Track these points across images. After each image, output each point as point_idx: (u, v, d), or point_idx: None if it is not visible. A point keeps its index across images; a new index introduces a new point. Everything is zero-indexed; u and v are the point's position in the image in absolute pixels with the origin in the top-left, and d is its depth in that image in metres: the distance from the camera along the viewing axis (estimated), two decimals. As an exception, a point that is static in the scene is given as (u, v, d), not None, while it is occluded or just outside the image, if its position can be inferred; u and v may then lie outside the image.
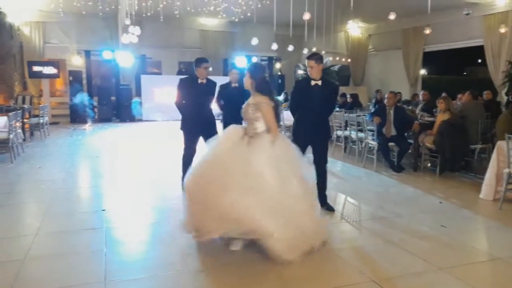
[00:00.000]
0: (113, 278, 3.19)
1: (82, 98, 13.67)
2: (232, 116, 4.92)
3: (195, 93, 5.32)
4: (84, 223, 4.43)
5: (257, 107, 3.67)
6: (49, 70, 13.53)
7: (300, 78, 4.82)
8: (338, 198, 5.68)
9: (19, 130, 8.26)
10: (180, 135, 5.50)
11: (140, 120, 14.21)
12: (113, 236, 4.09)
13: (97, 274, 3.25)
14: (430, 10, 9.02)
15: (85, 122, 13.52)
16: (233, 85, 6.19)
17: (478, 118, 6.93)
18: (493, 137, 7.07)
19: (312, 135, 4.74)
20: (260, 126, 3.69)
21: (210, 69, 5.49)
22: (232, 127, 3.88)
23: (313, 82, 4.70)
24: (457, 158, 6.48)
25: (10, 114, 7.50)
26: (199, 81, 5.34)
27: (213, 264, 3.42)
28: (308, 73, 4.76)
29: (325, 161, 4.86)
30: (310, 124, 4.74)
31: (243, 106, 3.78)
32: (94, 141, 10.36)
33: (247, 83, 3.83)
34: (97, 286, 3.08)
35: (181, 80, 5.51)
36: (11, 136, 7.32)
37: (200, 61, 5.38)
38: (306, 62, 4.77)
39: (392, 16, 10.29)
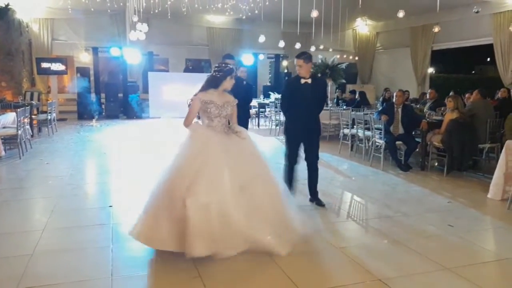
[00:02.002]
0: (119, 274, 3.22)
1: (85, 84, 13.71)
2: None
3: None
4: (91, 219, 4.46)
5: (231, 104, 3.86)
6: (57, 66, 13.59)
7: (289, 77, 4.94)
8: (345, 197, 5.67)
9: (27, 126, 8.32)
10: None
11: (148, 117, 14.24)
12: (120, 232, 4.10)
13: (104, 269, 3.27)
14: (439, 8, 8.95)
15: (92, 118, 13.58)
16: (244, 82, 6.19)
17: (487, 117, 6.87)
18: (502, 137, 7.01)
19: (304, 133, 4.86)
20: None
21: (235, 66, 5.47)
22: (205, 130, 3.76)
23: (303, 81, 4.78)
24: (465, 157, 6.44)
25: (19, 110, 7.56)
26: None
27: (218, 260, 3.40)
28: (297, 71, 4.84)
29: (317, 158, 5.00)
30: (302, 122, 4.82)
31: (219, 103, 3.75)
32: (101, 138, 10.40)
33: (232, 84, 3.89)
34: (104, 281, 3.10)
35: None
36: (19, 132, 7.38)
37: (225, 57, 5.42)
38: (295, 61, 4.86)
39: (400, 14, 10.20)
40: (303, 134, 4.87)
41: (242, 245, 3.41)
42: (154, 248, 3.51)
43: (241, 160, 3.63)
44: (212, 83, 3.80)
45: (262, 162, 3.82)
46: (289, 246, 3.56)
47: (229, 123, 3.87)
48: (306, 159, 4.95)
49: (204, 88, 3.79)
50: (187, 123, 3.76)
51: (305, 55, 4.79)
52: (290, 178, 4.89)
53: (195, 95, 3.76)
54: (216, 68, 3.84)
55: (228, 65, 3.92)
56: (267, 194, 3.66)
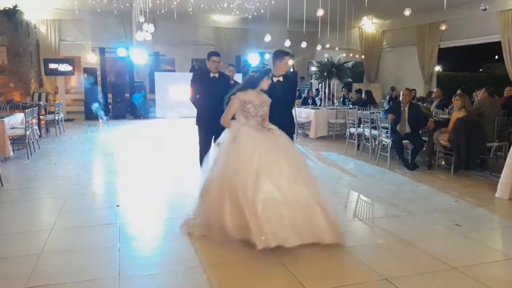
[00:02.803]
0: (127, 273, 3.23)
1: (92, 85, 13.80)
2: None
3: (207, 87, 5.31)
4: (98, 219, 4.49)
5: (267, 103, 4.00)
6: (65, 67, 13.71)
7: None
8: (351, 196, 5.66)
9: (35, 127, 8.39)
10: (194, 131, 5.53)
11: (154, 117, 14.31)
12: (127, 231, 4.13)
13: (111, 269, 3.29)
14: (446, 6, 8.89)
15: (100, 119, 13.65)
16: (232, 82, 6.18)
17: (495, 115, 6.81)
18: (510, 135, 6.96)
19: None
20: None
21: (220, 62, 5.47)
22: (248, 128, 3.87)
23: (275, 79, 4.70)
24: (472, 156, 6.39)
25: (27, 111, 7.63)
26: (211, 75, 5.33)
27: (224, 259, 3.44)
28: (284, 70, 4.76)
29: None
30: (276, 122, 4.71)
31: (257, 103, 3.90)
32: (109, 138, 10.47)
33: (268, 84, 4.01)
34: (111, 281, 3.12)
35: (194, 75, 5.54)
36: (27, 132, 7.45)
37: (209, 54, 5.39)
38: (284, 59, 4.73)
39: (407, 12, 10.17)
40: None
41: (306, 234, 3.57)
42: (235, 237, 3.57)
43: (288, 152, 3.81)
44: (250, 84, 3.94)
45: (301, 155, 4.09)
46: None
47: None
48: None
49: (243, 88, 3.93)
50: (225, 121, 3.90)
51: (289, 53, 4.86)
52: None
53: (234, 94, 3.88)
54: (253, 69, 4.01)
55: (266, 66, 4.09)
56: (313, 183, 3.84)
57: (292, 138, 4.90)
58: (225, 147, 3.84)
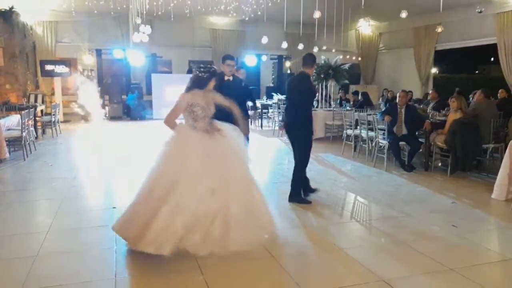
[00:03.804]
0: (123, 275, 3.23)
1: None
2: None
3: (222, 90, 5.31)
4: (95, 221, 4.48)
5: (216, 100, 3.82)
6: (61, 69, 13.64)
7: (294, 75, 5.20)
8: (348, 198, 5.66)
9: (32, 128, 8.35)
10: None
11: (151, 118, 14.28)
12: (124, 233, 4.11)
13: (108, 271, 3.28)
14: (442, 8, 8.92)
15: (96, 120, 13.61)
16: (242, 84, 6.21)
17: (491, 117, 6.83)
18: (505, 137, 6.99)
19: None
20: None
21: (235, 66, 5.54)
22: (186, 132, 3.71)
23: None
24: (469, 158, 6.41)
25: (23, 112, 7.59)
26: (226, 78, 5.35)
27: (221, 260, 3.42)
28: (312, 71, 5.18)
29: None
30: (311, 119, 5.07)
31: (204, 104, 3.70)
32: (105, 139, 10.43)
33: (214, 84, 3.84)
34: (107, 282, 3.11)
35: None
36: (23, 134, 7.42)
37: (224, 58, 5.45)
38: (314, 66, 5.11)
39: (403, 14, 10.20)
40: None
41: (212, 247, 3.42)
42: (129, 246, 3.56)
43: (220, 163, 3.58)
44: (198, 84, 3.75)
45: (242, 163, 3.78)
46: (255, 243, 3.58)
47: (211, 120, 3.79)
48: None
49: (190, 89, 3.73)
50: (169, 121, 3.70)
51: None
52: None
53: (182, 95, 3.71)
54: (202, 69, 3.78)
55: (213, 66, 3.91)
56: (241, 195, 3.62)
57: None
58: (161, 149, 3.71)
